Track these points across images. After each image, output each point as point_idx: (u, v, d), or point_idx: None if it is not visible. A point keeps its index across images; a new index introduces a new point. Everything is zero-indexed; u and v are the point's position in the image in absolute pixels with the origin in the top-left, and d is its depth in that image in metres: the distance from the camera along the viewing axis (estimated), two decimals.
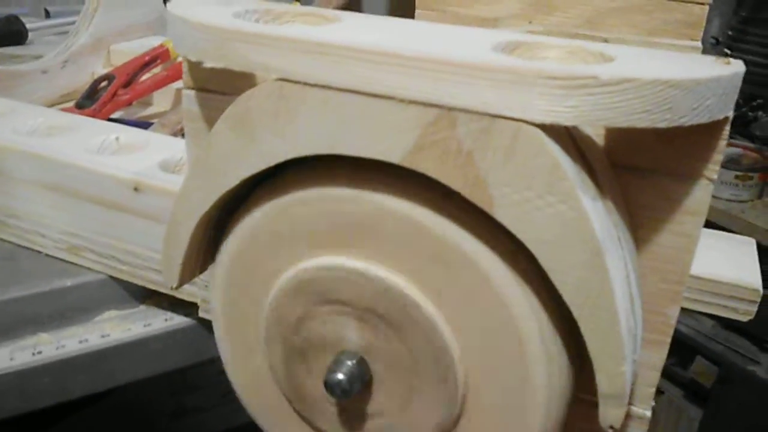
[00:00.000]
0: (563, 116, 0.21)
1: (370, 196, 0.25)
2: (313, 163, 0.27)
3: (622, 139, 0.26)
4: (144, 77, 0.63)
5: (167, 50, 0.64)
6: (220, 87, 0.32)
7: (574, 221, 0.22)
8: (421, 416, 0.28)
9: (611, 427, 0.25)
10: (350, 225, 0.26)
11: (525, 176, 0.22)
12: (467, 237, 0.24)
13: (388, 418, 0.29)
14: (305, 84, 0.24)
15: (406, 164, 0.24)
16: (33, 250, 0.45)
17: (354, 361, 0.28)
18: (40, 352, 0.39)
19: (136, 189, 0.39)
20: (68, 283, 0.42)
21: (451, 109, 0.22)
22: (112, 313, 0.43)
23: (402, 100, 0.23)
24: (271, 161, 0.26)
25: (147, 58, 0.63)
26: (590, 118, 0.21)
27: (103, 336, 0.41)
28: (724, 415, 1.33)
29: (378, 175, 0.25)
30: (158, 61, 0.64)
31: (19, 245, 0.45)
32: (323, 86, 0.24)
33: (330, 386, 0.27)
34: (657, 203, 0.26)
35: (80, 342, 0.40)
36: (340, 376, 0.27)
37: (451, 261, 0.25)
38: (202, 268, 0.32)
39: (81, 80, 0.66)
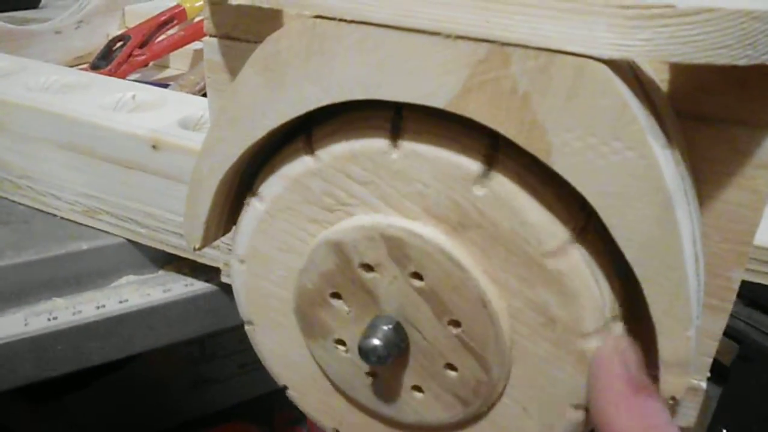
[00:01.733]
0: (634, 51, 0.19)
1: (411, 146, 0.23)
2: (347, 112, 0.25)
3: (689, 82, 0.23)
4: (160, 38, 0.60)
5: (184, 10, 0.61)
6: (245, 34, 0.29)
7: (643, 170, 0.20)
8: (463, 382, 0.26)
9: (672, 398, 0.23)
10: (386, 179, 0.24)
11: (589, 120, 0.20)
12: (515, 190, 0.22)
13: (423, 388, 0.27)
14: (341, 20, 0.22)
15: (453, 109, 0.21)
16: (48, 212, 0.43)
17: (390, 326, 0.26)
18: (55, 318, 0.38)
19: (154, 147, 0.37)
20: (84, 246, 0.40)
21: (504, 44, 0.20)
22: (131, 278, 0.42)
23: (449, 36, 0.21)
24: (303, 108, 0.24)
25: (163, 18, 0.61)
26: (664, 53, 0.19)
27: (120, 301, 0.39)
28: (744, 393, 1.31)
29: (419, 122, 0.23)
30: (174, 21, 0.61)
31: (33, 208, 0.44)
32: (361, 22, 0.22)
33: (364, 352, 0.25)
34: (725, 155, 0.24)
35: (97, 307, 0.39)
36: (376, 341, 0.25)
37: (496, 217, 0.23)
38: (226, 229, 0.30)
39: (95, 42, 0.64)
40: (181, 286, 0.41)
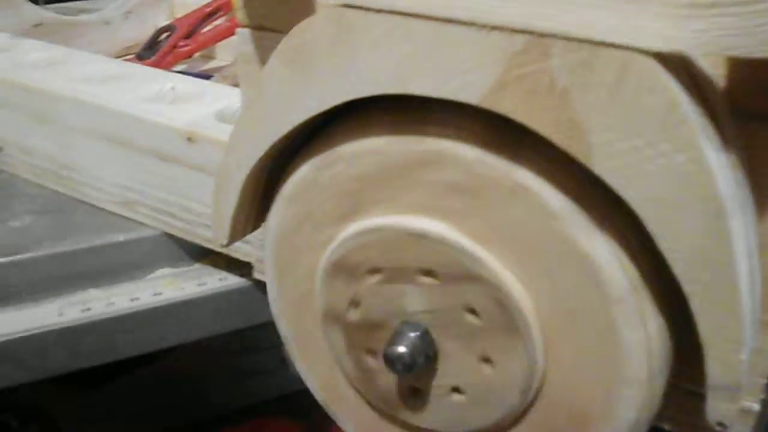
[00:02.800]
0: (686, 43, 0.17)
1: (437, 143, 0.22)
2: (372, 108, 0.24)
3: (748, 78, 0.21)
4: (206, 28, 0.60)
5: (229, 1, 0.61)
6: (277, 24, 0.29)
7: (693, 176, 0.18)
8: (497, 384, 0.25)
9: (720, 424, 0.21)
10: (407, 178, 0.23)
11: (634, 119, 0.18)
12: (549, 190, 0.21)
13: (462, 389, 0.26)
14: (369, 9, 0.21)
15: (486, 105, 0.20)
16: (87, 203, 0.43)
17: (417, 333, 0.25)
18: (89, 309, 0.38)
19: (189, 139, 0.36)
20: (121, 238, 0.40)
21: (543, 35, 0.18)
22: (166, 271, 0.41)
23: (483, 26, 0.19)
24: (329, 103, 0.23)
25: (209, 9, 0.61)
26: (721, 46, 0.17)
27: (155, 294, 0.39)
28: None
29: (447, 118, 0.22)
30: (220, 12, 0.61)
31: (73, 198, 0.44)
32: (390, 11, 0.21)
33: (390, 360, 0.24)
34: None
35: (131, 300, 0.38)
36: (402, 348, 0.24)
37: (529, 222, 0.21)
38: (255, 225, 0.30)
39: (143, 32, 0.64)
40: (216, 281, 0.40)
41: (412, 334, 0.24)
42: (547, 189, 0.21)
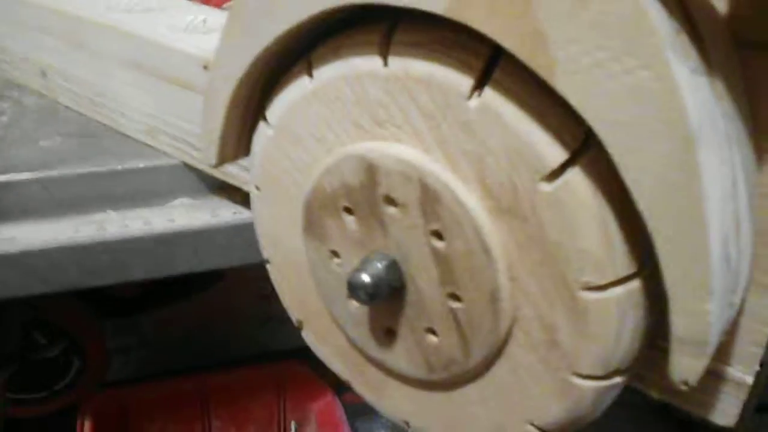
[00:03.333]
0: None
1: (496, 103, 0.20)
2: (350, 29, 0.23)
3: (753, 4, 0.19)
4: None
5: None
6: None
7: (658, 95, 0.16)
8: (438, 352, 0.24)
9: (685, 383, 0.19)
10: (452, 125, 0.21)
11: (599, 29, 0.16)
12: (516, 113, 0.19)
13: (403, 336, 0.25)
14: None
15: (451, 15, 0.19)
16: (116, 130, 0.44)
17: (384, 263, 0.24)
18: (104, 229, 0.39)
19: (205, 67, 0.36)
20: (141, 164, 0.41)
21: None
22: (184, 200, 0.42)
23: None
24: (302, 14, 0.22)
25: None
26: None
27: (168, 220, 0.39)
28: None
29: (516, 81, 0.20)
30: None
31: (105, 125, 0.45)
32: None
33: (353, 287, 0.23)
34: None
35: (145, 223, 0.39)
36: (365, 276, 0.23)
37: (495, 144, 0.20)
38: (249, 149, 0.29)
39: None
40: (230, 213, 0.41)
41: (379, 264, 0.24)
42: (514, 111, 0.19)
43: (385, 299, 0.24)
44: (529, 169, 0.19)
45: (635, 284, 0.20)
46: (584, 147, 0.19)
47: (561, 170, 0.19)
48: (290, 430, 0.61)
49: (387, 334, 0.26)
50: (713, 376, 0.23)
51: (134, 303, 0.57)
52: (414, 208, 0.22)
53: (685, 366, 0.19)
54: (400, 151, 0.22)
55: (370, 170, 0.23)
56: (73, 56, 0.45)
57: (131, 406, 0.56)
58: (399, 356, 0.26)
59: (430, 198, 0.22)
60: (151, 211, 0.40)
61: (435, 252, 0.23)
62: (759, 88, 0.19)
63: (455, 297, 0.23)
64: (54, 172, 0.39)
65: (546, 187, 0.19)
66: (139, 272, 0.39)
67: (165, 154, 0.42)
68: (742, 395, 0.23)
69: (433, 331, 0.24)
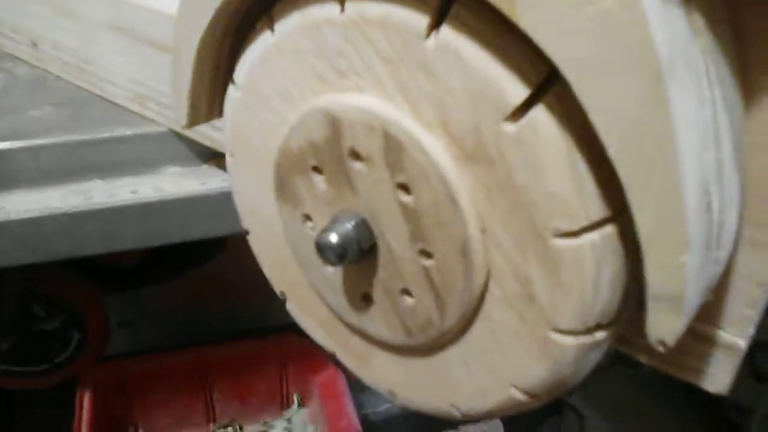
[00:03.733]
0: None
1: (453, 40, 0.18)
2: None
3: None
4: None
5: None
6: None
7: (623, 25, 0.15)
8: (414, 313, 0.23)
9: (662, 343, 0.18)
10: (410, 67, 0.20)
11: None
12: (476, 51, 0.18)
13: (379, 299, 0.24)
14: None
15: None
16: (106, 99, 0.43)
17: (352, 222, 0.23)
18: (91, 198, 0.38)
19: None
20: (128, 132, 0.40)
21: None
22: (174, 169, 0.41)
23: None
24: None
25: None
26: None
27: (156, 189, 0.39)
28: None
29: (475, 15, 0.19)
30: None
31: (93, 93, 0.44)
32: None
33: (320, 248, 0.22)
34: None
35: (132, 192, 0.38)
36: (333, 236, 0.22)
37: (456, 85, 0.18)
38: (221, 111, 0.28)
39: None
40: (218, 182, 0.40)
41: (347, 224, 0.23)
42: (474, 48, 0.18)
43: (357, 261, 0.23)
44: (492, 109, 0.18)
45: (611, 229, 0.18)
46: (548, 83, 0.17)
47: (524, 108, 0.18)
48: (293, 402, 0.60)
49: (363, 299, 0.25)
50: (702, 340, 0.22)
51: (133, 275, 0.57)
52: (379, 161, 0.21)
53: (661, 324, 0.17)
54: (361, 100, 0.21)
55: (334, 124, 0.22)
56: (60, 24, 0.44)
57: (132, 379, 0.56)
58: (377, 321, 0.25)
59: (393, 148, 0.21)
60: (140, 180, 0.40)
61: (403, 207, 0.21)
62: (746, 23, 0.18)
63: (427, 254, 0.22)
64: (42, 141, 0.39)
65: (510, 127, 0.18)
66: (127, 241, 0.39)
67: (153, 121, 0.41)
68: (735, 360, 0.22)
69: (408, 292, 0.23)
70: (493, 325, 0.22)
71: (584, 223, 0.18)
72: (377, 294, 0.24)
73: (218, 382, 0.59)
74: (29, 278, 0.49)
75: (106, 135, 0.40)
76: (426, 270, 0.22)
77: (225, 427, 0.59)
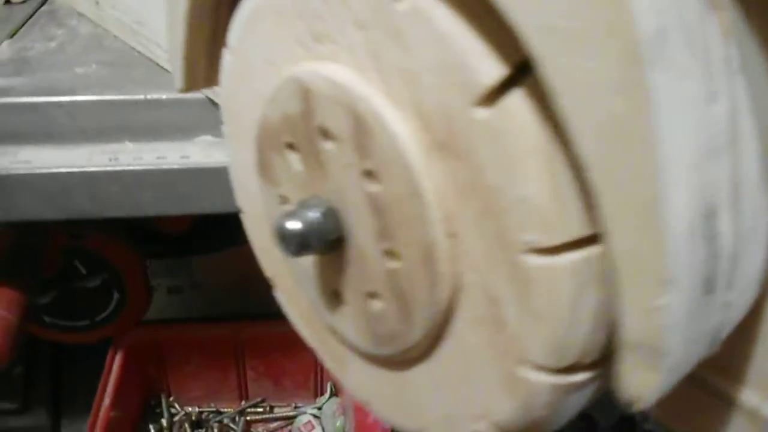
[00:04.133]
0: None
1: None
2: None
3: None
4: None
5: None
6: None
7: None
8: (381, 321, 0.20)
9: (636, 402, 0.14)
10: (383, 34, 0.17)
11: None
12: (449, 18, 0.15)
13: (348, 299, 0.21)
14: None
15: None
16: (153, 61, 0.43)
17: (320, 211, 0.20)
18: (116, 159, 0.37)
19: None
20: (164, 96, 0.39)
21: None
22: (207, 138, 0.40)
23: None
24: None
25: None
26: None
27: (182, 157, 0.38)
28: None
29: None
30: None
31: (144, 55, 0.44)
32: None
33: (278, 235, 0.20)
34: None
35: (158, 157, 0.37)
36: (293, 224, 0.20)
37: (427, 57, 0.15)
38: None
39: None
40: None
41: (311, 212, 0.20)
42: (447, 15, 0.15)
43: (325, 253, 0.20)
44: (462, 89, 0.15)
45: (596, 251, 0.15)
46: (530, 65, 0.14)
47: (499, 91, 0.14)
48: (326, 391, 0.59)
49: (335, 296, 0.22)
50: (720, 397, 0.18)
51: (179, 243, 0.57)
52: (348, 142, 0.18)
53: (634, 379, 0.14)
54: (333, 71, 0.18)
55: (306, 96, 0.19)
56: None
57: (167, 346, 0.56)
58: (347, 323, 0.22)
59: (362, 128, 0.18)
60: (170, 146, 0.39)
61: (371, 198, 0.18)
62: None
63: (393, 255, 0.19)
64: (77, 98, 0.39)
65: (481, 113, 0.15)
66: (149, 208, 0.38)
67: None
68: (757, 428, 0.18)
69: (375, 296, 0.20)
70: (463, 348, 0.19)
71: (563, 239, 0.15)
72: (347, 293, 0.21)
73: (252, 360, 0.58)
74: (75, 235, 0.50)
75: (140, 97, 0.39)
76: (392, 274, 0.19)
77: (255, 405, 0.58)
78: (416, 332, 0.19)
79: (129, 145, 0.39)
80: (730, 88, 0.12)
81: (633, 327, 0.13)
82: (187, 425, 0.54)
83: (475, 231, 0.16)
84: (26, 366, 0.57)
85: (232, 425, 0.57)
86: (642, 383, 0.13)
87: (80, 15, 0.50)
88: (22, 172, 0.36)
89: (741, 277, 0.14)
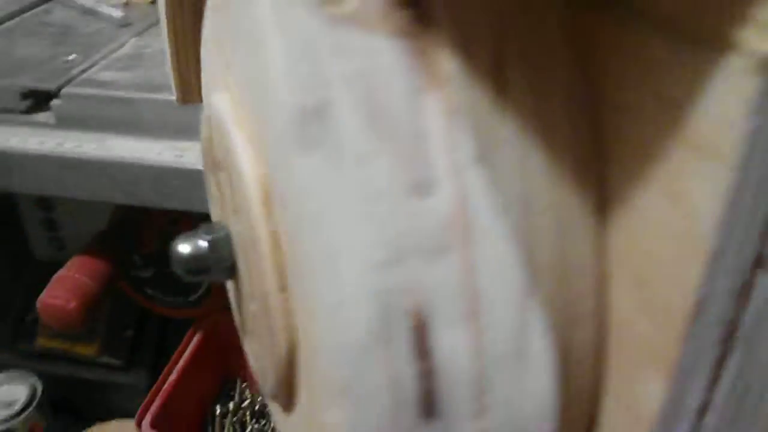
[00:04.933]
0: None
1: None
2: None
3: None
4: None
5: None
6: None
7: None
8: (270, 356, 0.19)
9: None
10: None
11: None
12: None
13: (249, 328, 0.20)
14: None
15: None
16: None
17: (212, 237, 0.20)
18: (182, 156, 0.40)
19: None
20: None
21: None
22: None
23: None
24: None
25: None
26: None
27: None
28: None
29: None
30: None
31: None
32: None
33: (172, 256, 0.20)
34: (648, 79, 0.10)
35: None
36: (183, 248, 0.20)
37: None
38: None
39: None
40: None
41: (202, 239, 0.20)
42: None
43: (225, 279, 0.20)
44: None
45: None
46: None
47: None
48: None
49: (242, 323, 0.22)
50: None
51: None
52: (228, 175, 0.18)
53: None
54: (223, 101, 0.18)
55: (209, 123, 0.19)
56: None
57: None
58: (249, 354, 0.22)
59: (231, 163, 0.17)
60: None
61: (239, 236, 0.18)
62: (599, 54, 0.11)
63: (253, 297, 0.18)
64: (160, 96, 0.41)
65: None
66: (198, 204, 0.40)
67: None
68: None
69: (252, 332, 0.20)
70: (308, 407, 0.17)
71: None
72: (244, 323, 0.21)
73: None
74: (173, 220, 0.54)
75: None
76: (253, 315, 0.18)
77: None
78: (270, 381, 0.18)
79: (196, 145, 0.41)
80: (458, 178, 0.10)
81: None
82: (248, 413, 0.56)
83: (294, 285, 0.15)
84: (135, 330, 0.63)
85: None
86: None
87: None
88: (101, 157, 0.40)
89: (502, 405, 0.11)
